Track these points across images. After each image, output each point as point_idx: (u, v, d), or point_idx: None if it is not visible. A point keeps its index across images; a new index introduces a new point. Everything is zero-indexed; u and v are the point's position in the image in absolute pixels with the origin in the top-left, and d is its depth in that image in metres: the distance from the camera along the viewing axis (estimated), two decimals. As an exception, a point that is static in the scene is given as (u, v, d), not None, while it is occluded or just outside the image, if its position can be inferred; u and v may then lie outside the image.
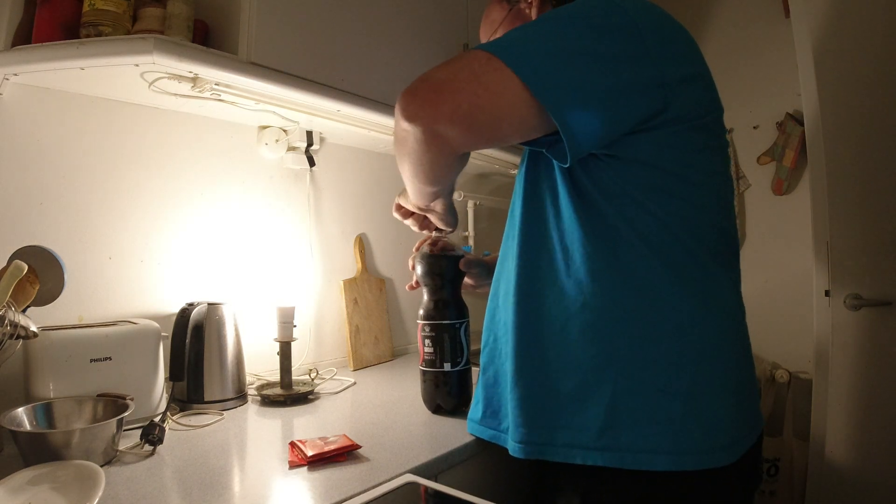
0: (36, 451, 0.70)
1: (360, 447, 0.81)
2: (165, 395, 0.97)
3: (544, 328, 0.73)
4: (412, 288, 1.04)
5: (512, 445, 0.75)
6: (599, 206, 0.70)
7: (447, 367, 0.97)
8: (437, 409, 1.00)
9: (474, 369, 1.00)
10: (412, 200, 0.88)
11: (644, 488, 0.67)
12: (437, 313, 0.97)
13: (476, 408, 0.86)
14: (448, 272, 0.98)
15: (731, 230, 0.78)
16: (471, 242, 1.87)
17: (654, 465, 0.65)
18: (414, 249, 1.02)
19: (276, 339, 1.14)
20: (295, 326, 1.15)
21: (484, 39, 0.95)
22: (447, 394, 0.98)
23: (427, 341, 0.97)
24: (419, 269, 0.99)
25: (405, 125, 0.64)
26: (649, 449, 0.66)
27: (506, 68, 0.60)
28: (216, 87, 0.99)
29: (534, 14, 0.87)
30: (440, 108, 0.62)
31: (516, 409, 0.74)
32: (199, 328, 1.03)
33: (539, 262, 0.75)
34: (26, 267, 0.75)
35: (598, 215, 0.70)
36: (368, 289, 1.54)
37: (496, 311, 0.85)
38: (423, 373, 1.00)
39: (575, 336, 0.70)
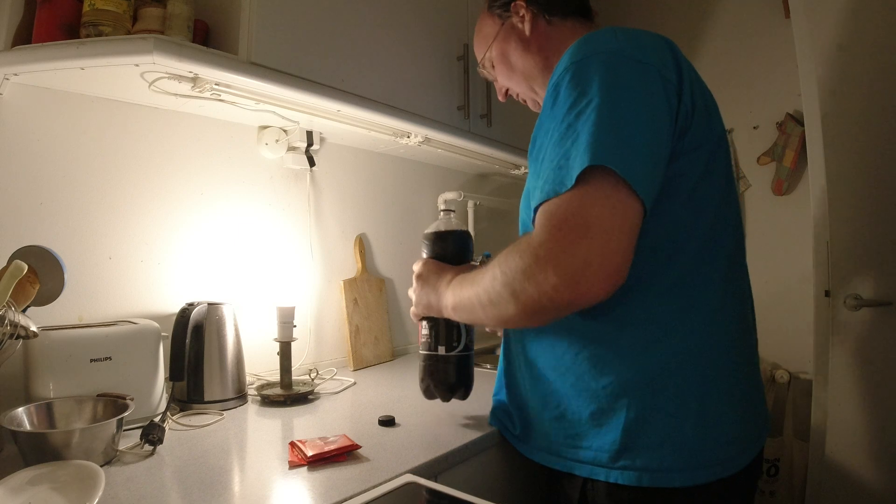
0: (36, 451, 0.70)
1: (360, 447, 0.81)
2: (165, 395, 0.96)
3: (557, 360, 0.76)
4: None
5: (544, 457, 0.79)
6: None
7: (442, 350, 0.92)
8: (429, 394, 0.96)
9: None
10: (429, 311, 0.88)
11: (653, 500, 0.69)
12: None
13: (506, 414, 0.89)
14: (450, 252, 0.94)
15: (741, 241, 0.78)
16: (471, 242, 1.87)
17: (670, 482, 0.67)
18: None
19: (276, 339, 1.14)
20: (295, 326, 1.15)
21: (479, 55, 0.99)
22: (440, 380, 0.93)
23: (424, 323, 0.94)
24: (423, 251, 0.96)
25: (558, 307, 0.61)
26: (665, 468, 0.67)
27: (632, 202, 0.60)
28: (216, 87, 0.99)
29: (527, 28, 0.90)
30: (613, 281, 0.59)
31: (545, 432, 0.79)
32: (199, 328, 1.03)
33: None
34: (26, 267, 0.75)
35: None
36: (368, 289, 1.54)
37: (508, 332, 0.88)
38: (420, 356, 0.96)
39: (587, 367, 0.72)
